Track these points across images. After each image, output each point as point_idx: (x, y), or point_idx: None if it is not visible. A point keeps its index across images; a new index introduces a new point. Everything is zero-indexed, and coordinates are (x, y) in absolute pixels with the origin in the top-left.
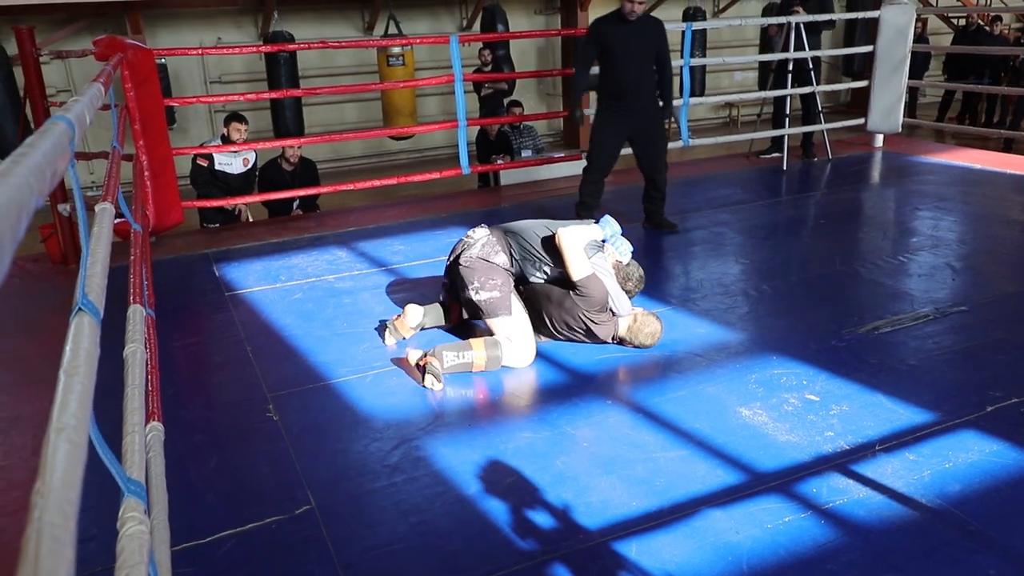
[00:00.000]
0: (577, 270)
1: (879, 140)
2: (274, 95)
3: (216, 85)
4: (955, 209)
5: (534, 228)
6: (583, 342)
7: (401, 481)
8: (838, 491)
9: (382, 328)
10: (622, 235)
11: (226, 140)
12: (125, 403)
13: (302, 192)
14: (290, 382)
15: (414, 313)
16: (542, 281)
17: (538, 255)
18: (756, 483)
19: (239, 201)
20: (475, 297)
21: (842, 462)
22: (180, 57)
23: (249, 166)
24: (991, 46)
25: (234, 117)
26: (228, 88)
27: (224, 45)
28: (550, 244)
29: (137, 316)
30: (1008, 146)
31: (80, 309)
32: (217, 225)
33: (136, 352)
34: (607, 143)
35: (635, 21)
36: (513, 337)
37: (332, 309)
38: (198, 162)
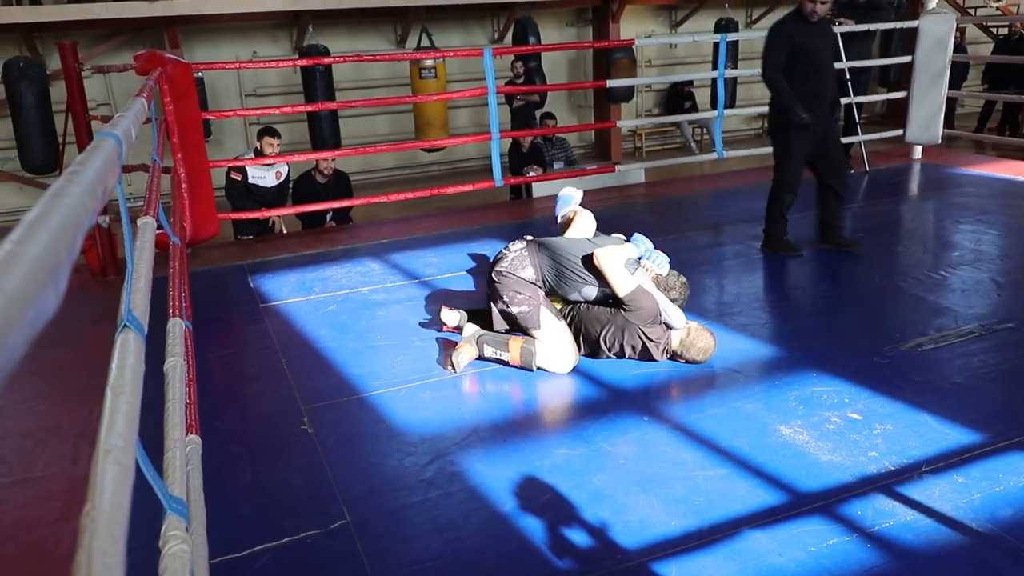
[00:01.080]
0: (622, 285)
1: (917, 152)
2: (308, 108)
3: (251, 98)
4: (997, 222)
5: (574, 246)
6: (635, 359)
7: (436, 496)
8: (884, 513)
9: (444, 360)
10: (656, 248)
11: (259, 153)
12: (166, 418)
13: (336, 204)
14: (324, 394)
15: (449, 316)
16: (583, 300)
17: (578, 274)
18: (798, 504)
19: (273, 213)
20: (508, 310)
21: (887, 483)
22: (217, 71)
23: (282, 179)
24: None
25: (267, 131)
26: (263, 101)
27: (260, 59)
28: (590, 264)
29: (177, 329)
30: None
31: (126, 326)
32: (251, 237)
33: (176, 366)
34: (800, 157)
35: (817, 22)
36: (549, 345)
37: (366, 321)
38: (232, 176)
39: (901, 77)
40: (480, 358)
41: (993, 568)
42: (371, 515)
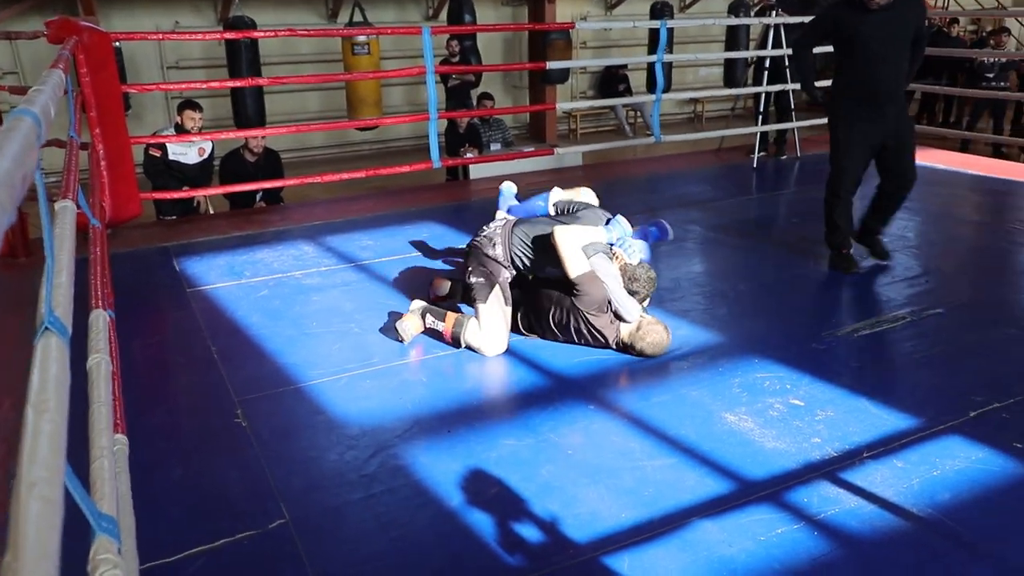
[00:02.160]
0: (572, 267)
1: None
2: (239, 83)
3: (173, 71)
4: (921, 210)
5: (549, 224)
6: (586, 345)
7: (380, 492)
8: (829, 500)
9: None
10: (633, 237)
11: (180, 129)
12: (91, 422)
13: (267, 184)
14: (258, 385)
15: (440, 286)
16: (545, 278)
17: (543, 251)
18: (746, 493)
19: (199, 193)
20: (467, 280)
21: (831, 470)
22: (136, 42)
23: (205, 156)
24: (948, 48)
25: (187, 105)
26: (186, 75)
27: (183, 30)
28: (547, 242)
29: (100, 323)
30: (964, 146)
31: (47, 328)
32: (175, 217)
33: (101, 364)
34: (858, 157)
35: (879, 10)
36: (481, 324)
37: (300, 307)
38: (151, 152)
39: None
40: (424, 331)
41: (933, 552)
42: (311, 513)
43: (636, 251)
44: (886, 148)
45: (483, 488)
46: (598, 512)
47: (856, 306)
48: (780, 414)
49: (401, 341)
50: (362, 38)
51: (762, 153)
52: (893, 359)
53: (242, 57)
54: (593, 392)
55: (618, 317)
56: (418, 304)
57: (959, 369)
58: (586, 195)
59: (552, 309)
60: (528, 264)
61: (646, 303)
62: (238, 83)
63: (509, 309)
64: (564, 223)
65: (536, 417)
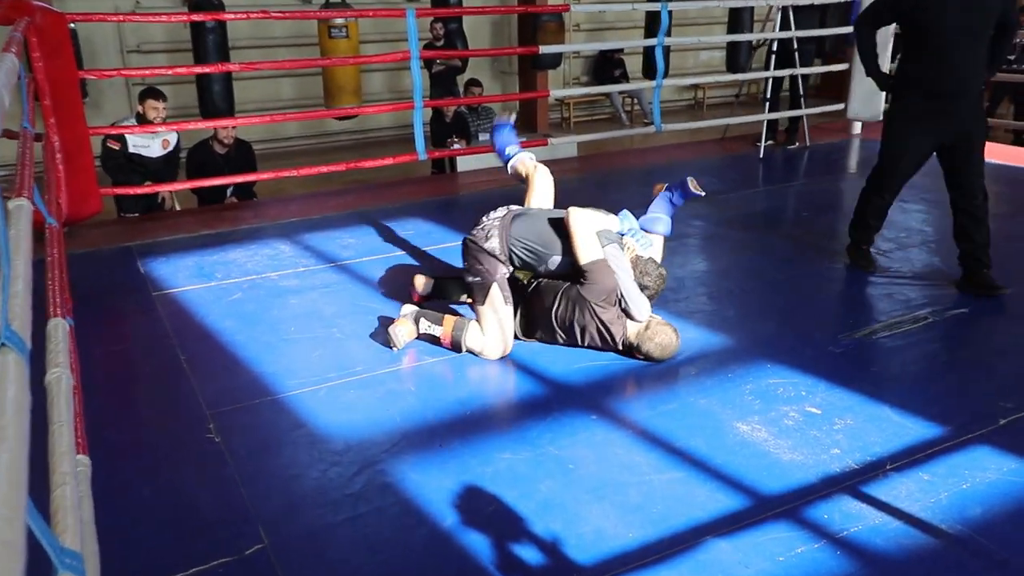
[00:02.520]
0: (585, 252)
1: (857, 127)
2: (206, 69)
3: (134, 55)
4: (942, 202)
5: (548, 213)
6: (591, 346)
7: (366, 512)
8: (851, 517)
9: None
10: (655, 208)
11: (141, 119)
12: (51, 444)
13: (238, 178)
14: (233, 397)
15: (420, 283)
16: (545, 273)
17: (547, 241)
18: (762, 509)
19: (164, 188)
20: (467, 278)
21: (852, 483)
22: (94, 24)
23: (170, 148)
24: None
25: (149, 93)
26: (148, 59)
27: (146, 11)
28: (559, 226)
29: (59, 333)
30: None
31: (3, 344)
32: (137, 214)
33: (61, 379)
34: (914, 153)
35: None
36: (482, 327)
37: (277, 311)
38: (109, 144)
39: (837, 49)
40: (418, 336)
41: (965, 571)
42: (292, 537)
43: (648, 243)
44: (951, 149)
45: (478, 506)
46: (603, 531)
47: (874, 306)
48: (796, 423)
49: (392, 348)
50: (340, 20)
51: (769, 142)
52: (915, 363)
53: (209, 41)
54: (595, 401)
55: (626, 313)
56: (410, 308)
57: (986, 373)
58: (544, 178)
59: (556, 304)
60: (528, 258)
61: (651, 303)
62: (205, 69)
63: (510, 308)
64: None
65: (534, 428)
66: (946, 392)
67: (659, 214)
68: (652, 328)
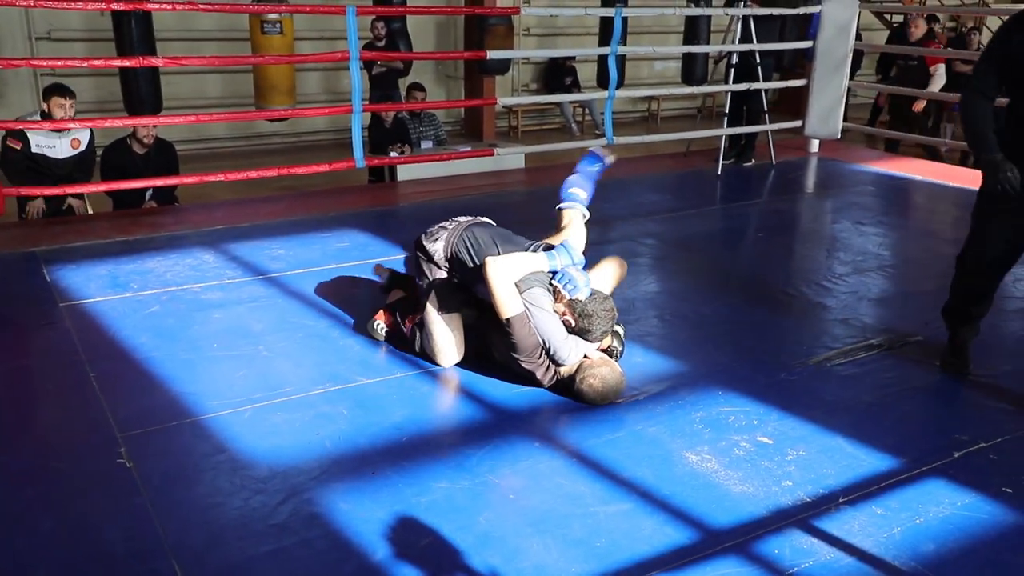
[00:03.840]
0: (504, 307)
1: (815, 145)
2: (126, 63)
3: (44, 43)
4: (899, 225)
5: (502, 241)
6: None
7: (291, 545)
8: (802, 552)
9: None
10: (582, 267)
11: (46, 117)
12: None
13: (158, 181)
14: (147, 419)
15: (381, 272)
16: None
17: (476, 271)
18: (711, 543)
19: (75, 189)
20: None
21: (804, 517)
22: None
23: (81, 148)
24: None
25: (55, 90)
26: (61, 48)
27: None
28: (479, 273)
29: None
30: (933, 153)
31: None
32: (40, 217)
33: None
34: (1007, 228)
35: None
36: (430, 331)
37: (199, 326)
38: (9, 143)
39: (795, 63)
40: (391, 327)
41: None
42: (210, 572)
43: (581, 285)
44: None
45: (412, 539)
46: (544, 566)
47: (829, 333)
48: (747, 453)
49: (377, 339)
50: (274, 15)
51: (730, 160)
52: (870, 392)
53: (131, 31)
54: (537, 428)
55: (554, 363)
56: (396, 295)
57: (942, 404)
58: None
59: (494, 343)
60: (463, 277)
61: (611, 340)
62: (125, 62)
63: (455, 315)
64: (506, 250)
65: (474, 456)
66: (901, 422)
67: (576, 188)
68: (587, 370)
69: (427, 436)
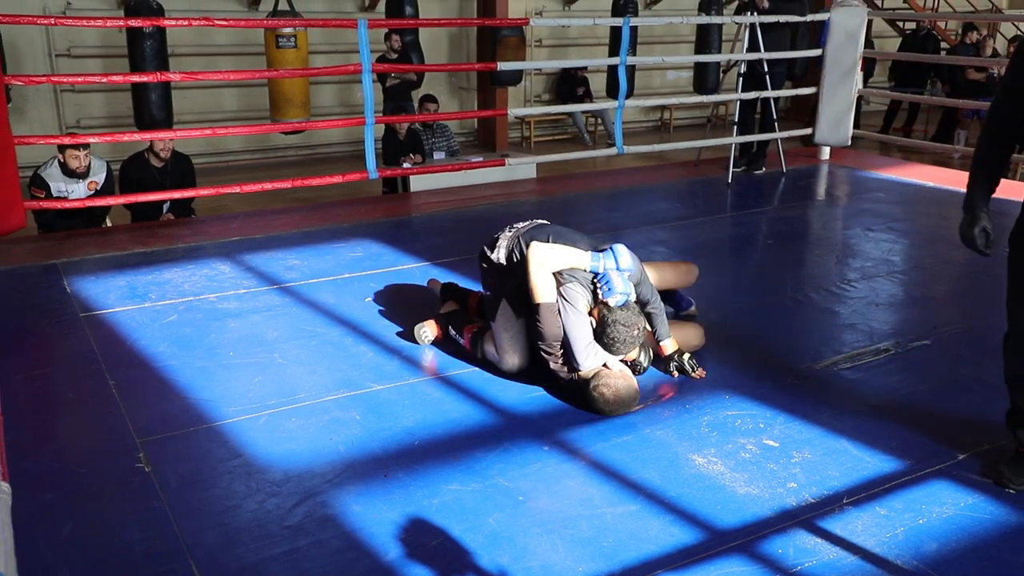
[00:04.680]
0: (536, 292)
1: (826, 152)
2: (143, 78)
3: (64, 60)
4: (909, 231)
5: (550, 237)
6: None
7: (305, 546)
8: (806, 551)
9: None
10: (627, 275)
11: (63, 166)
12: None
13: (176, 194)
14: (165, 424)
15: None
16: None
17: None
18: (716, 543)
19: (95, 203)
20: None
21: (808, 517)
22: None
23: (98, 188)
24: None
25: (69, 144)
26: (79, 65)
27: (77, 15)
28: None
29: None
30: (946, 159)
31: None
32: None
33: None
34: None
35: None
36: (496, 340)
37: (216, 335)
38: (33, 192)
39: (807, 71)
40: (442, 337)
41: None
42: (226, 572)
43: (619, 291)
44: None
45: (423, 539)
46: (552, 565)
47: (836, 338)
48: (753, 456)
49: (420, 343)
50: (288, 30)
51: (739, 169)
52: (876, 395)
53: (146, 47)
54: (546, 431)
55: (568, 363)
56: (449, 307)
57: (947, 406)
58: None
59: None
60: (520, 276)
61: (637, 354)
62: (142, 78)
63: (520, 321)
64: (557, 243)
65: (484, 459)
66: (906, 425)
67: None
68: (602, 378)
69: (438, 440)
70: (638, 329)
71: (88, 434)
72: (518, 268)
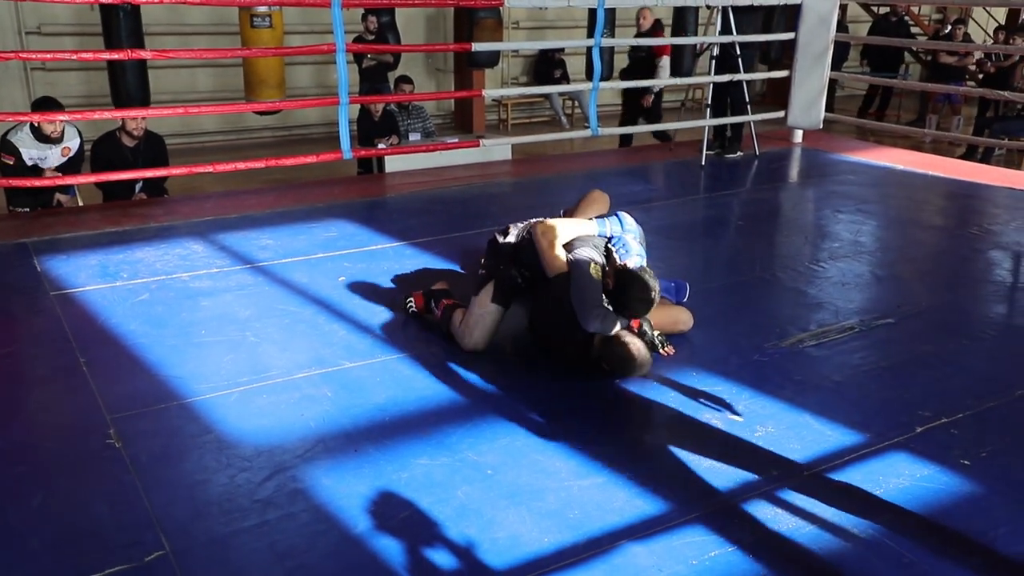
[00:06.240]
0: (549, 266)
1: (798, 135)
2: (115, 56)
3: (34, 37)
4: (877, 213)
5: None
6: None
7: (275, 519)
8: (767, 521)
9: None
10: (635, 237)
11: (36, 131)
12: None
13: (148, 173)
14: (136, 401)
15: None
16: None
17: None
18: (679, 514)
19: (66, 181)
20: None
21: (770, 489)
22: None
23: (71, 155)
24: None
25: (43, 103)
26: (50, 42)
27: None
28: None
29: None
30: (918, 143)
31: None
32: (27, 210)
33: None
34: None
35: None
36: (466, 316)
37: (187, 313)
38: (2, 159)
39: (783, 55)
40: (423, 310)
41: (874, 574)
42: (196, 543)
43: (634, 251)
44: None
45: (392, 512)
46: (519, 536)
47: (803, 316)
48: (718, 430)
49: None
50: (263, 8)
51: (713, 151)
52: (839, 372)
53: (120, 25)
54: (516, 407)
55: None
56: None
57: (908, 382)
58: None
59: (554, 325)
60: (529, 260)
61: (645, 326)
62: (114, 55)
63: (500, 308)
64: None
65: (452, 434)
66: (867, 400)
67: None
68: (625, 338)
69: (408, 416)
70: (656, 289)
71: (58, 411)
72: (526, 246)
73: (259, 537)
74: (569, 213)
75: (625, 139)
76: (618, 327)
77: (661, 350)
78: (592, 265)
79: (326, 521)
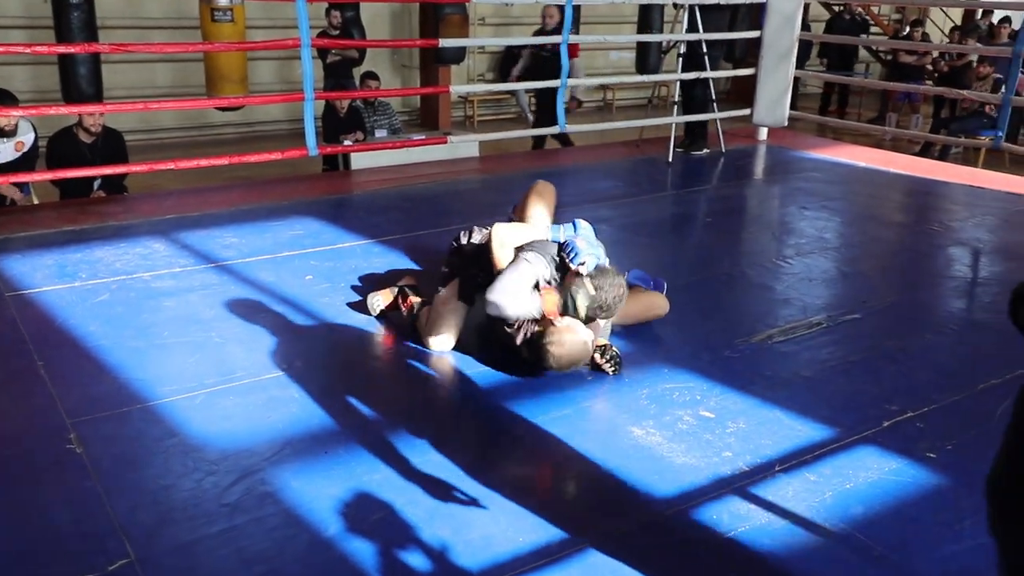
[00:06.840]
0: (497, 263)
1: (763, 133)
2: (70, 49)
3: None
4: (841, 209)
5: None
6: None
7: (243, 523)
8: (739, 517)
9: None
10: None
11: None
12: None
13: (106, 170)
14: (97, 405)
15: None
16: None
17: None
18: (652, 510)
19: (19, 178)
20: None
21: (742, 485)
22: None
23: (25, 150)
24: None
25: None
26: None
27: None
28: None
29: None
30: (879, 141)
31: None
32: None
33: None
34: None
35: None
36: (430, 315)
37: (149, 314)
38: None
39: (747, 53)
40: (392, 308)
41: (846, 567)
42: (161, 550)
43: (586, 251)
44: None
45: (364, 514)
46: (492, 536)
47: (771, 312)
48: (689, 427)
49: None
50: (225, 2)
51: (680, 149)
52: (808, 367)
53: (73, 18)
54: (489, 406)
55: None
56: (405, 280)
57: (875, 377)
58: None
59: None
60: (485, 262)
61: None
62: (69, 49)
63: (463, 306)
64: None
65: (424, 435)
66: (835, 395)
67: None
68: (554, 335)
69: (379, 417)
70: (622, 286)
71: (15, 416)
72: (486, 248)
73: (227, 542)
74: (517, 208)
75: (538, 142)
76: (530, 315)
77: (605, 366)
78: (539, 264)
79: (296, 525)
